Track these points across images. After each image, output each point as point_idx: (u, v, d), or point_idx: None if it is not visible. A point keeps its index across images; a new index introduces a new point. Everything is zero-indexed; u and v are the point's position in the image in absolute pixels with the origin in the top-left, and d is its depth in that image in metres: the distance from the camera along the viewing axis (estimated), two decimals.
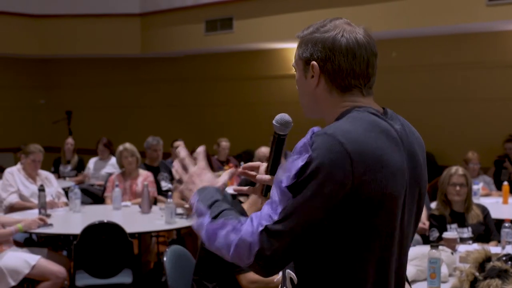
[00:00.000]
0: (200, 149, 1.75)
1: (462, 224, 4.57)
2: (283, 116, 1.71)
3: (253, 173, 1.81)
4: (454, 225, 4.52)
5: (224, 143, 8.58)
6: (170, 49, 10.97)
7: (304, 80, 1.65)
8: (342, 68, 1.59)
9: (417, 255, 3.42)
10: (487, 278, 3.02)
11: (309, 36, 1.63)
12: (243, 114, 10.98)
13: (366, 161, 1.46)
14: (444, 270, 3.38)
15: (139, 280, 5.02)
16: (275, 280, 3.16)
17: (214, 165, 8.53)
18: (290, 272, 1.63)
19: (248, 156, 8.59)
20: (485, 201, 5.63)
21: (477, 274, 3.09)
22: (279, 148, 1.73)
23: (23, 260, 4.73)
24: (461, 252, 3.85)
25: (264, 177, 1.75)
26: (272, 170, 1.73)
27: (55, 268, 4.79)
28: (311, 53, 1.61)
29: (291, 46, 9.74)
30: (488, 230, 4.65)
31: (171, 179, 7.25)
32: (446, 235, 4.14)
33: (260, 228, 1.47)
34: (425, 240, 4.79)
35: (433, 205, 5.25)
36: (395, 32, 8.62)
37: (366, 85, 1.63)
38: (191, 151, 6.76)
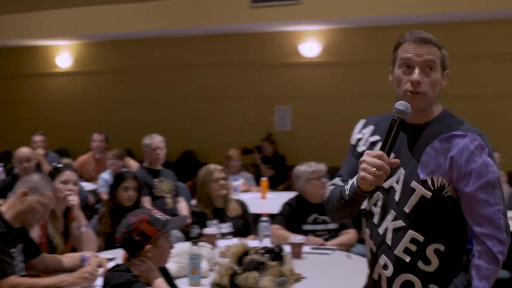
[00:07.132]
0: None
1: (222, 219, 4.63)
2: (405, 103, 1.97)
3: (395, 160, 1.98)
4: (215, 221, 4.56)
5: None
6: None
7: (440, 79, 2.15)
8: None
9: (178, 252, 3.43)
10: (246, 271, 3.09)
11: (444, 51, 2.16)
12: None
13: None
14: (204, 265, 3.40)
15: None
16: None
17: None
18: (413, 233, 2.07)
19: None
20: (245, 197, 5.78)
21: (236, 267, 3.14)
22: (398, 131, 1.95)
23: None
24: (221, 247, 3.88)
25: (396, 160, 1.97)
26: (388, 151, 1.93)
27: None
28: (447, 65, 2.18)
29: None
30: (247, 224, 4.77)
31: None
32: (206, 231, 4.22)
33: (502, 222, 2.01)
34: (187, 237, 4.79)
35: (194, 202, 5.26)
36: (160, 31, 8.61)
37: None
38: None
